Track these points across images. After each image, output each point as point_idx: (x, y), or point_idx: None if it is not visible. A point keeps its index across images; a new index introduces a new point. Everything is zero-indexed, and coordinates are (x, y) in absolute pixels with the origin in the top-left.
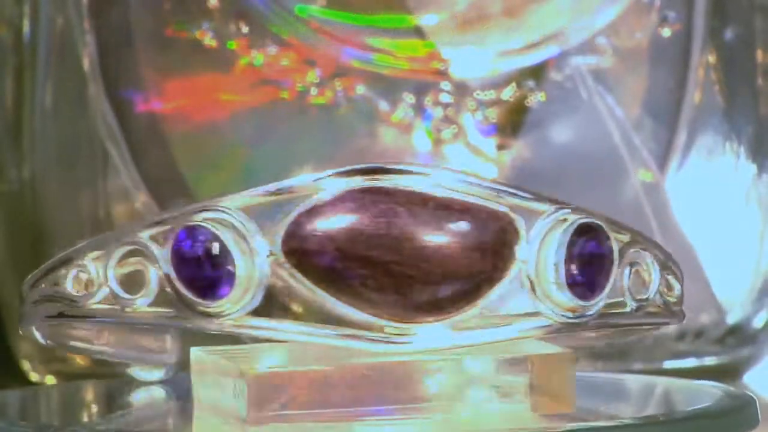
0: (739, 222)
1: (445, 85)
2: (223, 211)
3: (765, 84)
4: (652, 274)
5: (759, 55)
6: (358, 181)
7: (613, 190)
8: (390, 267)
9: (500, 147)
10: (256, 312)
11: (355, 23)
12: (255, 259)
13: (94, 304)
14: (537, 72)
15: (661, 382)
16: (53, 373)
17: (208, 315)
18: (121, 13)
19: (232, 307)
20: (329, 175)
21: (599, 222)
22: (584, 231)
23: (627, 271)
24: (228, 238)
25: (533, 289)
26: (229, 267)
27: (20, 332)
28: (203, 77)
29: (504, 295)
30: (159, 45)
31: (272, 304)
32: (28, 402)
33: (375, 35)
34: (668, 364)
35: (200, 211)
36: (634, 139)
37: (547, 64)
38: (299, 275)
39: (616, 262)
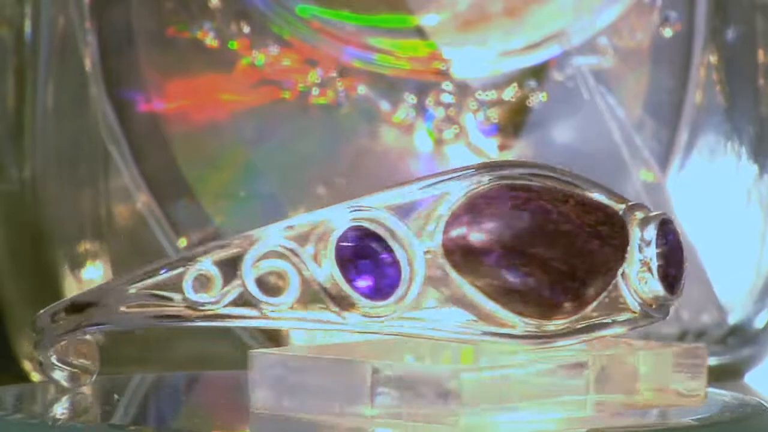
0: (741, 222)
1: (447, 85)
2: (369, 210)
3: (766, 84)
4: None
5: (760, 55)
6: (496, 178)
7: (615, 190)
8: (550, 264)
9: (502, 147)
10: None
11: (357, 23)
12: (415, 258)
13: (224, 306)
14: (538, 72)
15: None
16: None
17: (370, 316)
18: (123, 13)
19: (394, 308)
20: (462, 172)
21: (669, 217)
22: (663, 226)
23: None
24: (392, 237)
25: (626, 286)
26: (395, 267)
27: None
28: (204, 77)
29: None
30: (160, 45)
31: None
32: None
33: (376, 35)
34: None
35: (351, 211)
36: (636, 139)
37: (549, 65)
38: (454, 273)
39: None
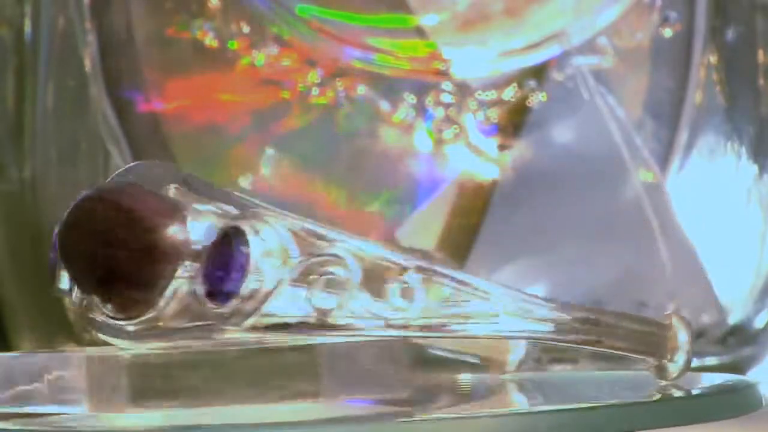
0: (741, 222)
1: (447, 85)
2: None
3: (766, 84)
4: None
5: (760, 55)
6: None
7: (615, 190)
8: (78, 263)
9: (501, 147)
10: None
11: (357, 23)
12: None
13: None
14: (538, 72)
15: None
16: None
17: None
18: (123, 13)
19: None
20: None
21: (239, 225)
22: (228, 235)
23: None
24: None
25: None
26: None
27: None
28: (204, 77)
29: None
30: (160, 45)
31: None
32: None
33: (376, 35)
34: None
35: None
36: (636, 139)
37: (549, 65)
38: None
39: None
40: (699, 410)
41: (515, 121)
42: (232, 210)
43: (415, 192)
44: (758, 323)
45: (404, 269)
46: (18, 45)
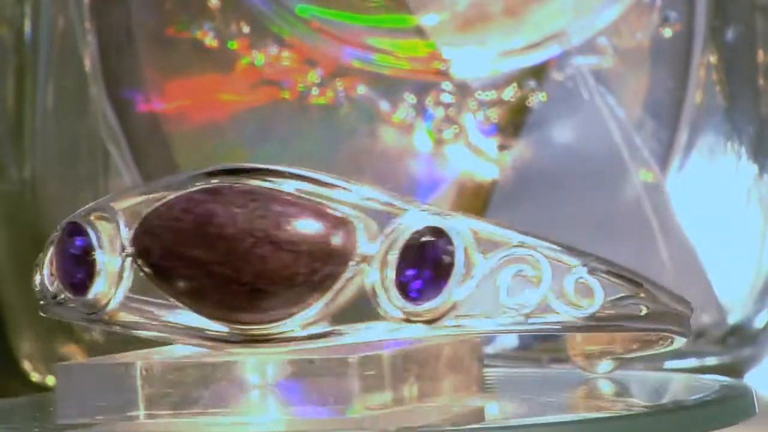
0: (741, 222)
1: (447, 85)
2: (105, 210)
3: (766, 84)
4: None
5: (760, 55)
6: (203, 182)
7: (614, 190)
8: (210, 267)
9: (501, 147)
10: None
11: (356, 23)
12: (114, 257)
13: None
14: (538, 72)
15: (658, 375)
16: (54, 373)
17: (81, 310)
18: (123, 13)
19: (100, 303)
20: (189, 176)
21: (443, 227)
22: (425, 235)
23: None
24: (95, 236)
25: (374, 293)
26: (93, 265)
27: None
28: (204, 77)
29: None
30: (160, 45)
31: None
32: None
33: (376, 35)
34: (669, 365)
35: (89, 211)
36: (636, 139)
37: (549, 65)
38: (144, 274)
39: (454, 268)
40: (688, 421)
41: (515, 121)
42: (406, 205)
43: (415, 192)
44: (758, 323)
45: (584, 265)
46: (18, 45)
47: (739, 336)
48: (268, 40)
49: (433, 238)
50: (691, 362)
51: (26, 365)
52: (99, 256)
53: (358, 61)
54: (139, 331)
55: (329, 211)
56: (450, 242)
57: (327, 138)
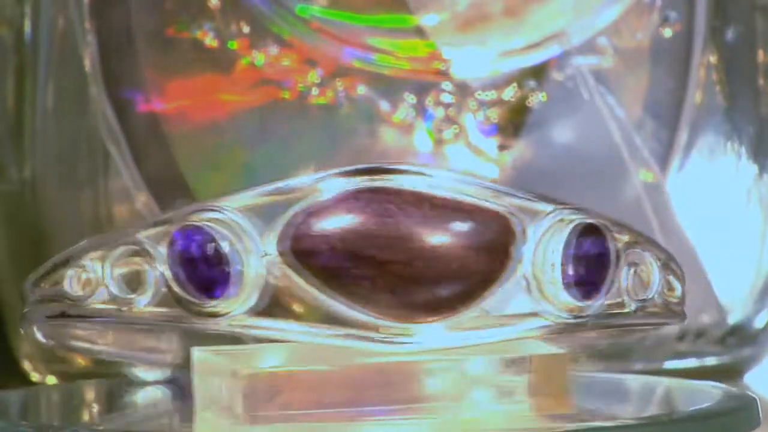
0: (741, 222)
1: (446, 85)
2: (220, 211)
3: (766, 84)
4: (653, 275)
5: (760, 55)
6: (357, 182)
7: (614, 190)
8: (387, 267)
9: (501, 147)
10: (256, 312)
11: (356, 23)
12: (250, 259)
13: (94, 303)
14: (538, 72)
15: (662, 382)
16: (54, 373)
17: (207, 315)
18: (123, 13)
19: (229, 307)
20: (329, 175)
21: (598, 222)
22: (583, 231)
23: (627, 271)
24: (223, 238)
25: (531, 290)
26: (225, 267)
27: (21, 332)
28: (204, 77)
29: (504, 295)
30: (160, 45)
31: (273, 304)
32: (29, 402)
33: (376, 35)
34: (669, 365)
35: (199, 211)
36: (635, 139)
37: (549, 65)
38: (295, 275)
39: (614, 263)
40: None
41: (515, 121)
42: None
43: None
44: (758, 323)
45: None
46: (18, 45)
47: (739, 336)
48: (268, 40)
49: (591, 235)
50: (691, 362)
51: (26, 365)
52: (234, 258)
53: (358, 61)
54: (277, 335)
55: (494, 208)
56: (604, 238)
57: (327, 138)
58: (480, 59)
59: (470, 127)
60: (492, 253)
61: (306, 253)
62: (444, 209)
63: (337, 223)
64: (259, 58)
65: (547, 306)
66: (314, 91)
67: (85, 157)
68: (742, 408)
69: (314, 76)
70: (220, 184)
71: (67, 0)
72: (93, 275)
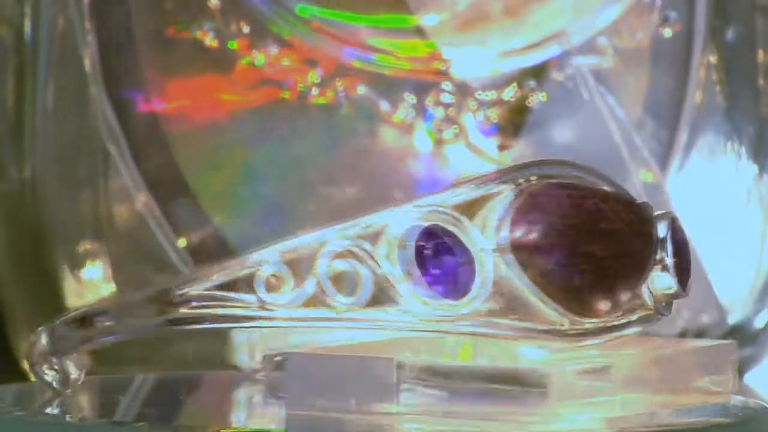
0: (741, 222)
1: (446, 85)
2: (445, 211)
3: (766, 84)
4: None
5: (760, 55)
6: (545, 176)
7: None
8: (602, 263)
9: (501, 147)
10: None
11: (356, 23)
12: (485, 257)
13: (297, 307)
14: (538, 72)
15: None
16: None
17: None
18: (123, 13)
19: (467, 307)
20: (518, 170)
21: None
22: (673, 223)
23: None
24: (464, 237)
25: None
26: (466, 266)
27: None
28: (204, 77)
29: None
30: (160, 45)
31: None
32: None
33: (376, 35)
34: None
35: (419, 211)
36: (636, 139)
37: (549, 65)
38: (518, 270)
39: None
40: None
41: (515, 121)
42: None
43: (414, 192)
44: (758, 323)
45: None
46: (18, 45)
47: (739, 336)
48: (268, 40)
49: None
50: None
51: (26, 365)
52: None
53: (358, 61)
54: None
55: (621, 193)
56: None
57: (327, 138)
58: (480, 59)
59: (470, 127)
60: (647, 238)
61: (540, 249)
62: (623, 204)
63: (564, 218)
64: (259, 58)
65: (652, 298)
66: (314, 91)
67: (85, 157)
68: (755, 419)
69: (314, 76)
70: (220, 184)
71: (67, 0)
72: (284, 276)
